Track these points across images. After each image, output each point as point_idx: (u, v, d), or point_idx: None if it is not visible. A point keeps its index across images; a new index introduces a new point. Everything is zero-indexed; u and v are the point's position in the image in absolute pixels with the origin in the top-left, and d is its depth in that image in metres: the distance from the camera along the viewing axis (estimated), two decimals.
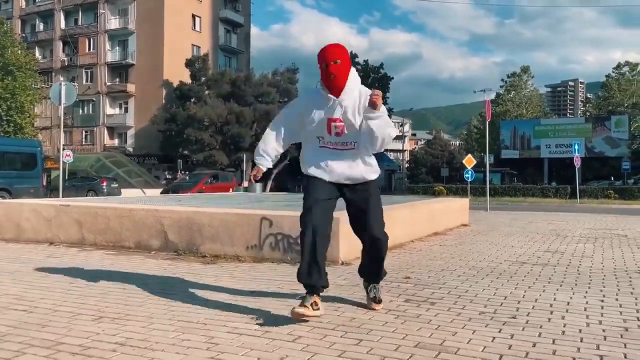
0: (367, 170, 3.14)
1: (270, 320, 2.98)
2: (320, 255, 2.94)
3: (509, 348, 2.52)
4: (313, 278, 2.94)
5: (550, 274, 4.53)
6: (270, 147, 3.20)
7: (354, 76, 3.05)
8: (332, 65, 2.93)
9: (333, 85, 2.97)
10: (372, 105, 2.91)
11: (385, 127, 2.99)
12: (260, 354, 2.43)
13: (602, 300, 3.55)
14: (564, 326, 2.92)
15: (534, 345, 2.56)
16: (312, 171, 3.11)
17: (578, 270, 4.78)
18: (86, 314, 3.09)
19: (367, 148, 3.10)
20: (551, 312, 3.21)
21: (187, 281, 4.11)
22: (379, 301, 3.29)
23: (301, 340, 2.62)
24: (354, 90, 3.03)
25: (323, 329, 2.82)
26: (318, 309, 2.90)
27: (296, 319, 2.85)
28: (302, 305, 2.86)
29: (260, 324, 2.89)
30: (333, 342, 2.59)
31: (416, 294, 3.72)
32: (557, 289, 3.91)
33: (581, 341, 2.64)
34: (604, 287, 4.03)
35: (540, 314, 3.18)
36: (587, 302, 3.49)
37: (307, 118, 3.07)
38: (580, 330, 2.83)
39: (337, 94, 3.00)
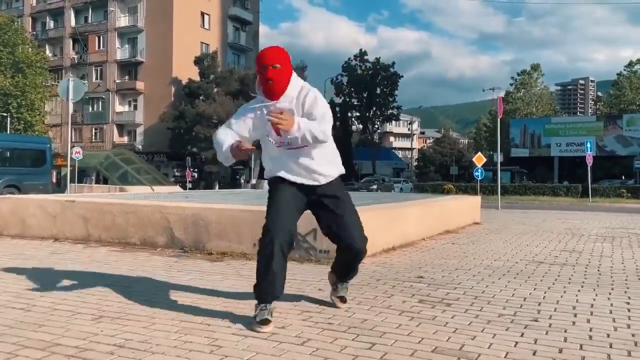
0: (329, 164, 2.94)
1: (276, 321, 2.82)
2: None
3: (534, 354, 2.35)
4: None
5: (569, 274, 4.35)
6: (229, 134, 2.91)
7: (295, 82, 2.86)
8: (270, 69, 2.75)
9: (270, 89, 2.81)
10: (277, 132, 2.74)
11: (307, 139, 2.74)
12: (266, 359, 2.27)
13: (628, 303, 3.36)
14: (590, 330, 2.74)
15: (560, 351, 2.39)
16: (277, 172, 2.92)
17: (598, 270, 4.59)
18: (86, 313, 2.96)
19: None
20: (575, 315, 3.04)
21: (192, 279, 3.96)
22: (345, 301, 3.21)
23: (310, 344, 2.47)
24: (294, 93, 2.85)
25: (333, 332, 2.67)
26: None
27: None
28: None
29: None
30: (344, 346, 2.44)
31: (430, 294, 3.55)
32: (579, 290, 3.73)
33: (611, 347, 2.47)
34: (628, 288, 3.84)
35: (563, 316, 3.00)
36: (612, 305, 3.31)
37: (257, 120, 2.89)
38: (608, 335, 2.65)
39: (276, 99, 2.83)
